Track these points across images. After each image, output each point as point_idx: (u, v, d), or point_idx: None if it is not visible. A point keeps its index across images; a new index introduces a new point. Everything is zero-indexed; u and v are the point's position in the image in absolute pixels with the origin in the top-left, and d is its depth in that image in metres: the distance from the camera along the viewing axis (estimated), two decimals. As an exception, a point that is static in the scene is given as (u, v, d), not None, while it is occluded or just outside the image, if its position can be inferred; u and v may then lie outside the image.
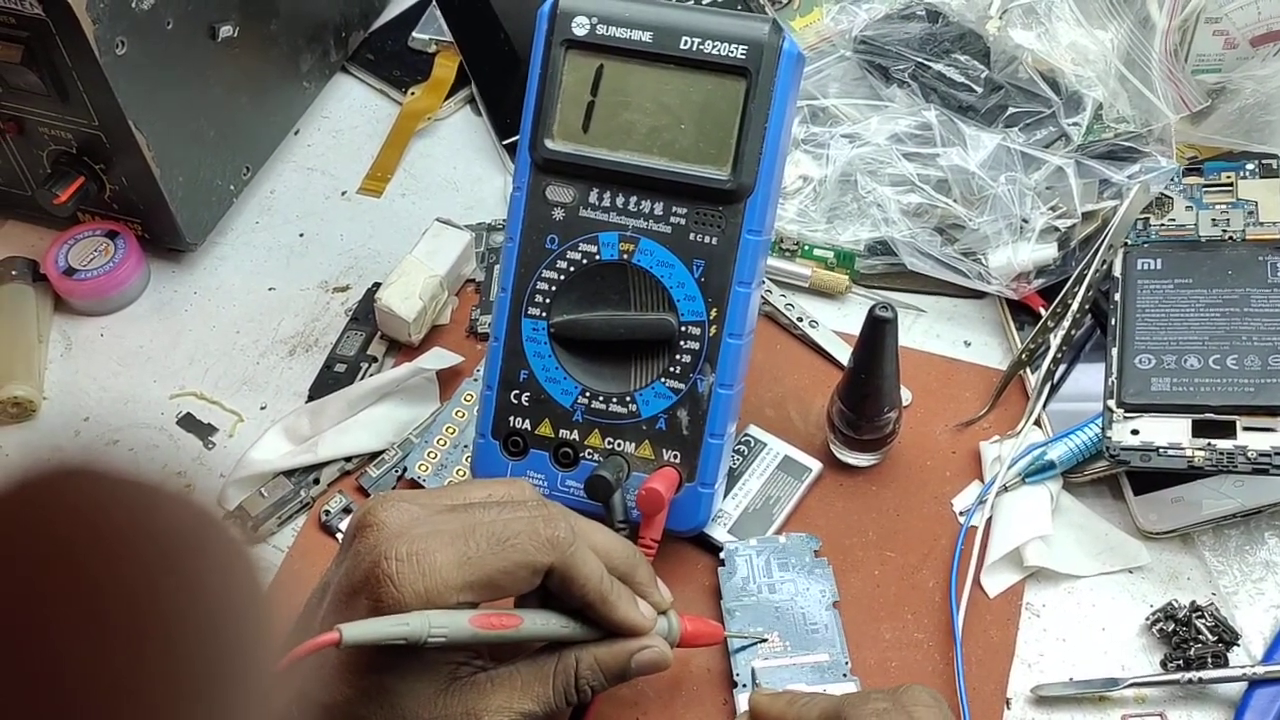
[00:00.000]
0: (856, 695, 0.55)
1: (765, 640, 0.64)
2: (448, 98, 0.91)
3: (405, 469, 0.71)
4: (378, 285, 0.78)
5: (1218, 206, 0.75)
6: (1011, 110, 0.76)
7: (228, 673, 0.28)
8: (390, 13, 0.96)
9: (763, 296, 0.75)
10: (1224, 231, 0.73)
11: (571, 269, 0.65)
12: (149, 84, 0.74)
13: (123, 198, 0.80)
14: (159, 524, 0.28)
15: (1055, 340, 0.73)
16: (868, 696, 0.54)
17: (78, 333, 0.80)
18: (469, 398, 0.73)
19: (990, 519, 0.68)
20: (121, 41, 0.71)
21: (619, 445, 0.65)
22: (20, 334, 0.78)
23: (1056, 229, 0.74)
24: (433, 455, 0.71)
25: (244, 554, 0.30)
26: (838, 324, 0.77)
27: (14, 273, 0.80)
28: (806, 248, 0.79)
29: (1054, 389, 0.72)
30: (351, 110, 0.92)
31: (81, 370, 0.78)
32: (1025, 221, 0.74)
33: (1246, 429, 0.65)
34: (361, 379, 0.75)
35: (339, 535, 0.69)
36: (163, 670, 0.27)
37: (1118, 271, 0.73)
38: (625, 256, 0.64)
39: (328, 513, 0.70)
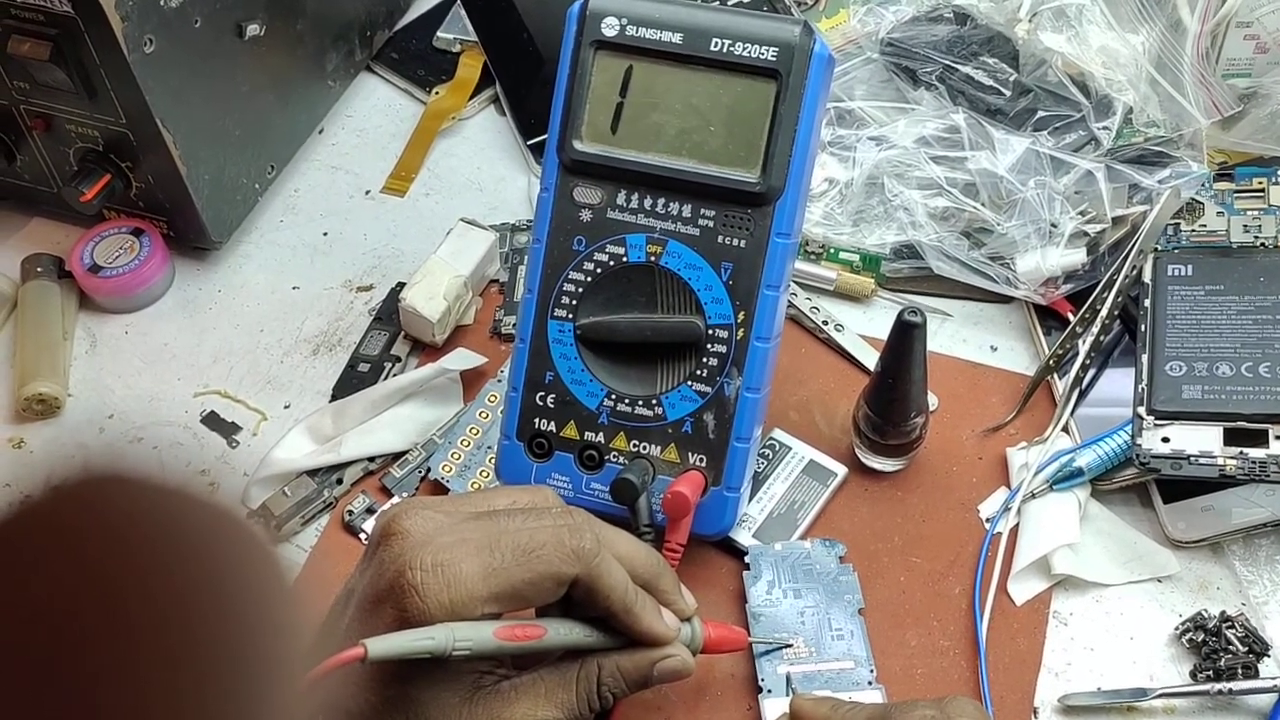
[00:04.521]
0: (903, 704, 0.55)
1: (789, 645, 0.63)
2: (472, 97, 0.91)
3: (429, 469, 0.71)
4: (401, 285, 0.78)
5: (1249, 212, 0.74)
6: (1040, 114, 0.75)
7: (254, 678, 0.28)
8: (415, 12, 0.96)
9: (788, 299, 0.75)
10: (1256, 238, 0.73)
11: (599, 271, 0.64)
12: (176, 82, 0.74)
13: (149, 195, 0.80)
14: (186, 535, 0.28)
15: (1084, 346, 0.72)
16: (914, 706, 0.54)
17: (102, 330, 0.80)
18: (493, 398, 0.73)
19: (1017, 526, 0.68)
20: (150, 39, 0.71)
21: (644, 448, 0.64)
22: (45, 331, 0.78)
23: (1086, 234, 0.74)
24: (456, 456, 0.71)
25: (272, 559, 0.30)
26: (863, 328, 0.77)
27: (39, 270, 0.80)
28: (832, 251, 0.79)
29: (1082, 395, 0.72)
30: (376, 109, 0.92)
31: (106, 368, 0.78)
32: (1054, 226, 0.73)
33: (1279, 438, 0.64)
34: (385, 379, 0.75)
35: (362, 535, 0.69)
36: (189, 677, 0.27)
37: (1148, 277, 0.72)
38: (653, 258, 0.64)
39: (351, 513, 0.70)
